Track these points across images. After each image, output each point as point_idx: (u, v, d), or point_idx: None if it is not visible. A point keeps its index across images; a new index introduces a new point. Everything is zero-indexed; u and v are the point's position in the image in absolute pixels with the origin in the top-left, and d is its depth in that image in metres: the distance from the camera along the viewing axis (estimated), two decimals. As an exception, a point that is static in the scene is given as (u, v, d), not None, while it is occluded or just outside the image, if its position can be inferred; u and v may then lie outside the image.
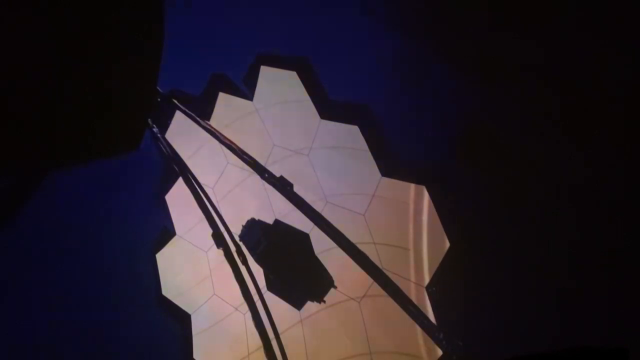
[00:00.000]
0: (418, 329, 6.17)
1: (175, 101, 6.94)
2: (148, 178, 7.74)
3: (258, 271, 6.88)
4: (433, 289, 6.22)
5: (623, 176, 4.54)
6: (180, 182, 7.34)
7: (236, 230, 7.00)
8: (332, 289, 6.84)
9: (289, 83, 6.69)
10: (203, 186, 6.84)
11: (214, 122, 7.22)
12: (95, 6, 3.64)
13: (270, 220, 7.25)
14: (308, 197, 6.60)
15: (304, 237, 7.03)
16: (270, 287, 7.08)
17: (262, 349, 6.49)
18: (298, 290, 7.00)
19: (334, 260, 6.79)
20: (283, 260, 6.95)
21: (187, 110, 6.87)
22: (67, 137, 4.13)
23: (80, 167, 4.97)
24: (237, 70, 7.09)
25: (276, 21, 6.36)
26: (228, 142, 6.61)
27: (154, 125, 6.94)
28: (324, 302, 6.83)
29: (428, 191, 6.19)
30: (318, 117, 6.72)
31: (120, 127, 4.42)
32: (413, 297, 6.25)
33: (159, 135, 6.98)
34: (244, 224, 7.12)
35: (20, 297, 6.74)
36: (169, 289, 7.95)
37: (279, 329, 6.54)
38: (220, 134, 6.69)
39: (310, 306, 7.02)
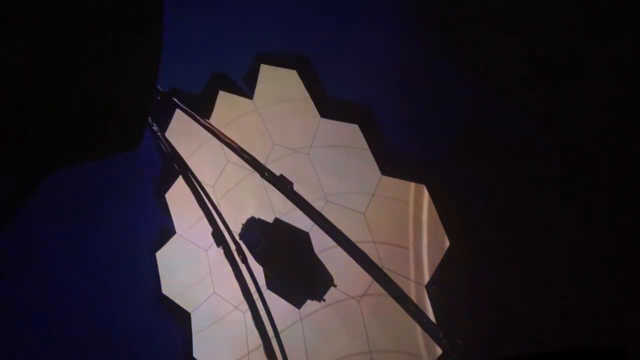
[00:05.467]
0: (418, 328, 6.17)
1: (175, 100, 6.93)
2: (148, 177, 7.74)
3: (258, 270, 6.88)
4: (433, 288, 6.22)
5: (624, 176, 4.55)
6: (180, 180, 7.33)
7: (236, 229, 7.00)
8: (332, 288, 6.84)
9: (289, 82, 6.68)
10: (203, 185, 6.83)
11: (214, 120, 7.21)
12: (94, 5, 3.63)
13: (270, 219, 7.25)
14: (308, 196, 6.58)
15: (304, 236, 7.02)
16: (269, 286, 7.08)
17: (261, 348, 6.49)
18: (298, 288, 6.99)
19: (334, 259, 6.79)
20: (283, 259, 6.94)
21: (187, 109, 6.85)
22: (67, 136, 4.13)
23: (80, 166, 4.96)
24: (237, 68, 7.08)
25: (276, 19, 6.35)
26: (228, 141, 6.59)
27: (154, 124, 6.93)
28: (324, 300, 6.83)
29: (428, 190, 6.18)
30: (318, 115, 6.71)
31: (120, 126, 4.42)
32: (413, 296, 6.24)
33: (159, 133, 6.97)
34: (243, 222, 7.12)
35: (19, 297, 6.73)
36: (168, 288, 7.96)
37: (279, 328, 6.55)
38: (220, 132, 6.67)
39: (310, 305, 7.02)
